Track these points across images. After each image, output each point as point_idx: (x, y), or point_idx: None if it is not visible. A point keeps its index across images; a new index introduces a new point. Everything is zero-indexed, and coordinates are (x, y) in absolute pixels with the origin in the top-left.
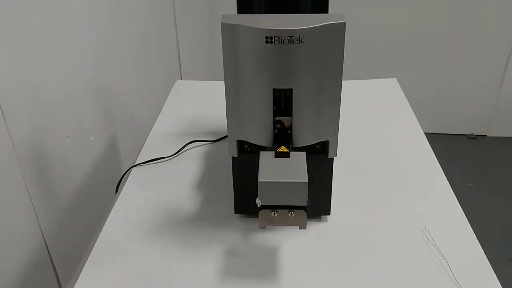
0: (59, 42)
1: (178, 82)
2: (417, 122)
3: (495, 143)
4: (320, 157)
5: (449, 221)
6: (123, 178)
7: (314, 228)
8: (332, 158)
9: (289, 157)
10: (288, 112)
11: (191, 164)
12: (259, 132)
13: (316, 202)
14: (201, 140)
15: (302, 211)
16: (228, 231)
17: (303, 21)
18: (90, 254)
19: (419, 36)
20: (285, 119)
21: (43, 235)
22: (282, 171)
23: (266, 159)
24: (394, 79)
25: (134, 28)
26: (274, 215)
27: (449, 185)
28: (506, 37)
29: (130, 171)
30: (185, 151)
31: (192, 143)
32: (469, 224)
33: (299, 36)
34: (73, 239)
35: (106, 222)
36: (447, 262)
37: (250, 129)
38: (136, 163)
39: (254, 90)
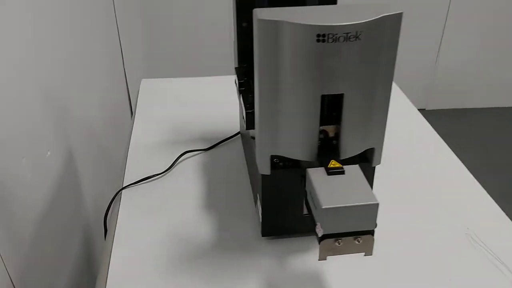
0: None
1: (144, 81)
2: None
3: (434, 115)
4: (362, 166)
5: (488, 218)
6: (111, 206)
7: None
8: (374, 167)
9: (344, 173)
10: (332, 119)
11: (190, 179)
12: (301, 145)
13: None
14: (194, 150)
15: (370, 236)
16: (259, 258)
17: (357, 14)
18: None
19: None
20: (329, 128)
21: (9, 277)
22: (344, 192)
23: (318, 178)
24: None
25: (77, 28)
26: (339, 244)
27: (473, 177)
28: (440, 13)
29: (120, 195)
30: (178, 163)
31: (184, 154)
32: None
33: (356, 32)
34: (45, 278)
35: (110, 267)
36: (504, 264)
37: (289, 143)
38: (124, 184)
39: (299, 97)
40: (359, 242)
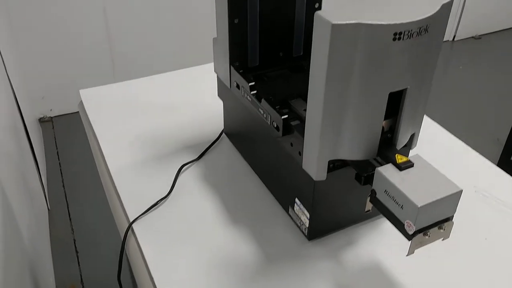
0: None
1: (83, 91)
2: None
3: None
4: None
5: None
6: (125, 244)
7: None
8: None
9: (413, 165)
10: (390, 113)
11: (197, 195)
12: (364, 144)
13: None
14: (189, 162)
15: (451, 222)
16: (315, 263)
17: (422, 6)
18: None
19: None
20: (385, 123)
21: None
22: (427, 186)
23: (394, 176)
24: None
25: None
26: (428, 236)
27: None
28: None
29: (132, 231)
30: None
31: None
32: None
33: (427, 25)
34: None
35: None
36: None
37: (351, 144)
38: (133, 217)
39: (368, 98)
40: (443, 229)
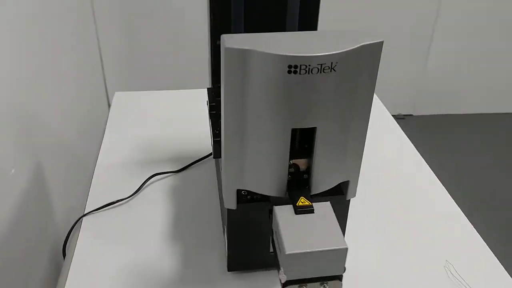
0: None
1: (118, 94)
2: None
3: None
4: (336, 199)
5: (469, 249)
6: (71, 233)
7: None
8: (349, 200)
9: (313, 211)
10: (304, 152)
11: (157, 205)
12: (269, 179)
13: None
14: (164, 172)
15: (337, 282)
16: None
17: (333, 43)
18: None
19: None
20: (300, 162)
21: None
22: (311, 235)
23: (285, 218)
24: None
25: (48, 38)
26: None
27: (456, 205)
28: (428, 19)
29: (81, 222)
30: (146, 187)
31: (152, 177)
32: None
33: (332, 63)
34: None
35: None
36: None
37: (256, 177)
38: (86, 210)
39: (267, 130)
40: (325, 287)
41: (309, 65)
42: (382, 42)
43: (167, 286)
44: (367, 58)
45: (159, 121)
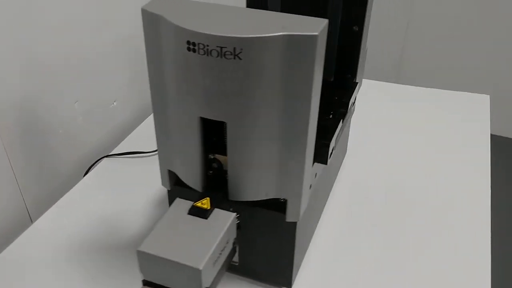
0: None
1: None
2: (487, 154)
3: None
4: (276, 216)
5: None
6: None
7: None
8: (295, 223)
9: (206, 217)
10: (224, 149)
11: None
12: (186, 168)
13: (273, 270)
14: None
15: None
16: None
17: (253, 27)
18: None
19: None
20: (223, 159)
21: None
22: (179, 241)
23: (174, 213)
24: (487, 96)
25: None
26: None
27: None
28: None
29: (101, 161)
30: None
31: None
32: None
33: (234, 48)
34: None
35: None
36: None
37: (179, 162)
38: (112, 152)
39: (178, 114)
40: None
41: (207, 46)
42: (315, 36)
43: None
44: (294, 53)
45: None
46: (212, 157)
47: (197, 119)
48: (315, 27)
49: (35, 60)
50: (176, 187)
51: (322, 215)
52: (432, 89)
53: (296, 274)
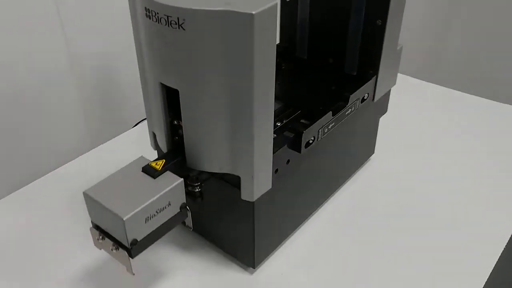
0: None
1: None
2: None
3: None
4: (233, 191)
5: None
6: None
7: (227, 281)
8: (253, 202)
9: (154, 177)
10: None
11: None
12: (159, 133)
13: (238, 246)
14: None
15: (124, 252)
16: None
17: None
18: None
19: None
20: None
21: None
22: (120, 192)
23: (129, 168)
24: None
25: None
26: (99, 240)
27: None
28: None
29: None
30: None
31: None
32: None
33: (178, 18)
34: None
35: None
36: None
37: (155, 125)
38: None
39: (149, 77)
40: (114, 250)
41: (157, 13)
42: (251, 15)
43: None
44: (234, 29)
45: None
46: (176, 123)
47: (159, 84)
48: (256, 6)
49: None
50: (159, 149)
51: (323, 210)
52: (480, 98)
53: (264, 256)
